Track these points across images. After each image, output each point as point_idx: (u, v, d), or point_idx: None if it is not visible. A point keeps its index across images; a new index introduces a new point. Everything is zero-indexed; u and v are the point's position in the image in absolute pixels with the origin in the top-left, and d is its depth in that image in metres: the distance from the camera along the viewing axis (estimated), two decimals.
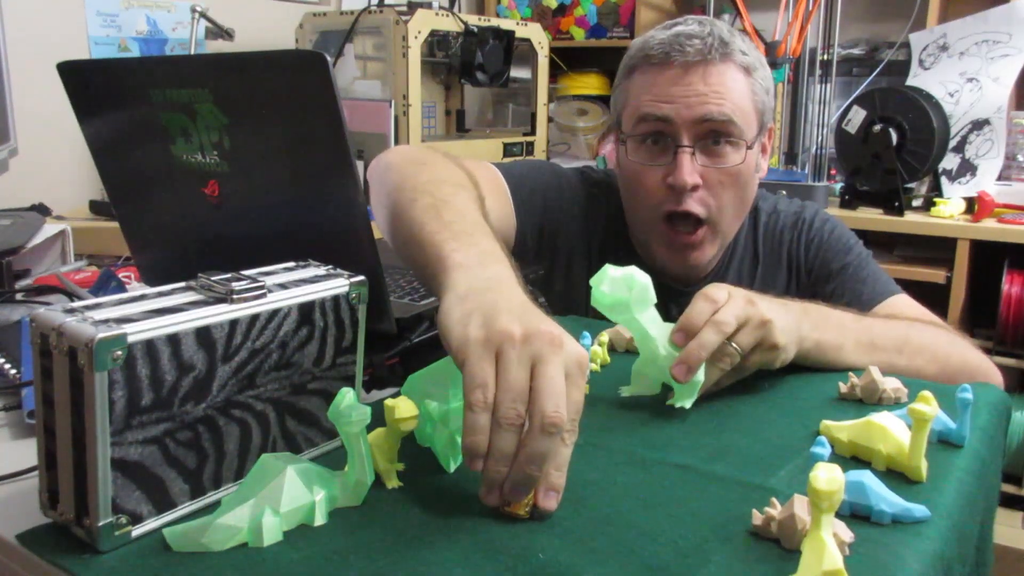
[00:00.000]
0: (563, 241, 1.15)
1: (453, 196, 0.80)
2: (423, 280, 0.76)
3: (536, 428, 0.53)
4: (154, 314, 0.52)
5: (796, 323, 0.80)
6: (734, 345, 0.74)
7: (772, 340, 0.76)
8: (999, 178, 2.25)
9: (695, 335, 0.73)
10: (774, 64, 2.27)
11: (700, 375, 0.73)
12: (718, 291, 0.76)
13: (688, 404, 0.73)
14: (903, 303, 1.07)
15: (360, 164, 2.21)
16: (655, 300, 0.74)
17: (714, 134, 1.01)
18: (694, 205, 1.02)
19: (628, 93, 1.06)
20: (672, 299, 1.05)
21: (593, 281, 0.73)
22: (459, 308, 0.60)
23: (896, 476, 0.61)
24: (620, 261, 1.03)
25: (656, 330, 0.74)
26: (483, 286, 0.63)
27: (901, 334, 0.90)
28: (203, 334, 0.53)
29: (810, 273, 1.13)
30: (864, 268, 1.11)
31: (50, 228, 1.34)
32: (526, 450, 0.53)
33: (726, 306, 0.74)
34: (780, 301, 0.80)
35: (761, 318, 0.75)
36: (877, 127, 2.17)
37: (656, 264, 1.09)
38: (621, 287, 0.72)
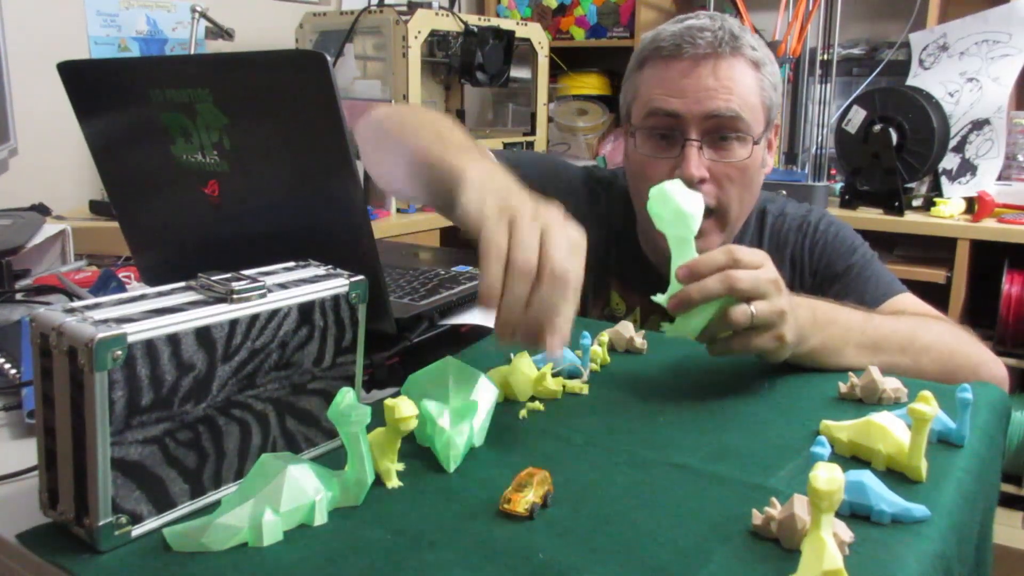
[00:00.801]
0: None
1: (452, 131, 0.86)
2: (435, 199, 0.83)
3: (547, 277, 0.60)
4: (154, 314, 0.52)
5: (801, 325, 0.80)
6: (753, 310, 0.74)
7: (780, 331, 0.76)
8: (999, 178, 2.25)
9: (699, 279, 0.73)
10: None
11: (699, 319, 0.74)
12: (751, 253, 0.76)
13: (671, 334, 0.75)
14: (907, 302, 1.07)
15: (360, 164, 2.21)
16: (694, 232, 0.75)
17: (721, 129, 1.01)
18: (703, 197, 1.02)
19: (638, 86, 1.07)
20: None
21: (654, 188, 0.76)
22: (476, 193, 0.67)
23: (896, 476, 0.61)
24: (622, 258, 1.04)
25: (679, 257, 0.75)
26: (496, 178, 0.70)
27: (907, 333, 0.89)
28: (203, 334, 0.53)
29: (815, 275, 1.13)
30: (868, 268, 1.11)
31: (50, 228, 1.34)
32: (538, 296, 0.60)
33: (755, 271, 0.74)
34: (795, 300, 0.80)
35: (780, 307, 0.75)
36: (877, 127, 2.18)
37: (659, 259, 1.09)
38: (665, 203, 0.75)
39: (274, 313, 0.57)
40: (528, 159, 1.16)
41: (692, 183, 1.00)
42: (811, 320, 0.82)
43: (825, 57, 2.34)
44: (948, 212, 2.13)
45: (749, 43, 1.04)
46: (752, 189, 1.08)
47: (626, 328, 0.89)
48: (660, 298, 0.77)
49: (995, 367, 0.94)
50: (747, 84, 1.02)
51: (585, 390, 0.77)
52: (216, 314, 0.54)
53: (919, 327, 0.92)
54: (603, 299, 1.19)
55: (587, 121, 2.95)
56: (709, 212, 1.04)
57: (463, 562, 0.50)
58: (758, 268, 0.75)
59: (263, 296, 0.57)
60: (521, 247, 0.61)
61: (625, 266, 1.17)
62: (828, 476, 0.46)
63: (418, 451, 0.64)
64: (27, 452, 0.60)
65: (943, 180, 2.27)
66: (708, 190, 1.02)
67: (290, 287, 0.59)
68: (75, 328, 0.48)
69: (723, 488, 0.60)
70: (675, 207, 0.75)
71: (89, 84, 0.83)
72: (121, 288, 1.08)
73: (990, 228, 2.06)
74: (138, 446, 0.51)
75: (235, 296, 0.55)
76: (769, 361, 0.80)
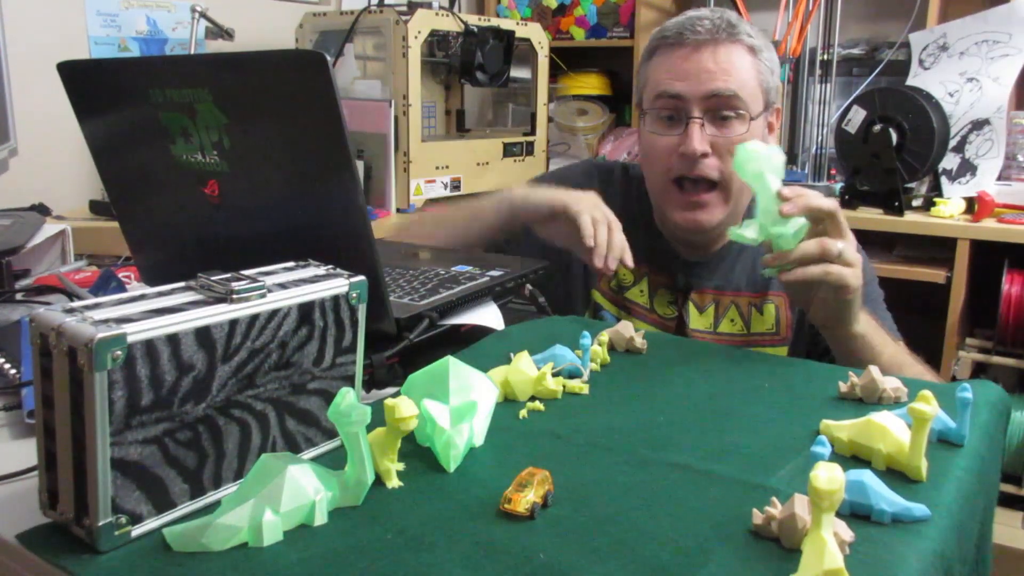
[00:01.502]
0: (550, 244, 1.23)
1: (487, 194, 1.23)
2: (488, 232, 1.19)
3: (613, 225, 1.02)
4: (154, 314, 0.52)
5: (858, 306, 0.95)
6: (840, 245, 0.90)
7: (852, 275, 0.90)
8: (999, 178, 2.25)
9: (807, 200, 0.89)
10: None
11: (777, 230, 0.89)
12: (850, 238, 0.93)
13: (734, 237, 0.92)
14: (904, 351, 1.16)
15: (360, 164, 2.21)
16: (763, 172, 0.91)
17: (721, 107, 1.11)
18: (706, 170, 1.12)
19: (647, 74, 1.18)
20: (680, 268, 1.20)
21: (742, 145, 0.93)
22: (551, 190, 1.09)
23: (896, 475, 0.61)
24: (639, 239, 1.17)
25: (769, 191, 0.90)
26: (540, 186, 1.14)
27: (920, 372, 0.99)
28: (203, 334, 0.53)
29: None
30: (878, 304, 1.19)
31: (50, 228, 1.33)
32: (614, 238, 1.01)
33: (848, 244, 0.91)
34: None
35: (859, 260, 0.92)
36: (877, 127, 2.17)
37: (671, 234, 1.21)
38: (752, 154, 0.91)
39: (274, 313, 0.57)
40: (548, 176, 1.39)
41: (695, 157, 1.10)
42: (862, 311, 0.97)
43: (825, 57, 2.33)
44: (948, 212, 2.12)
45: (746, 31, 1.13)
46: None
47: (626, 328, 0.89)
48: (736, 231, 0.92)
49: None
50: (744, 67, 1.12)
51: (585, 390, 0.77)
52: (216, 314, 0.54)
53: (926, 374, 1.03)
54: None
55: (587, 121, 2.95)
56: (713, 184, 1.14)
57: (463, 562, 0.50)
58: (846, 242, 0.91)
59: (263, 296, 0.57)
60: (603, 212, 1.03)
61: (635, 239, 1.22)
62: (828, 476, 0.47)
63: (418, 451, 0.64)
64: (27, 452, 0.60)
65: (943, 180, 2.27)
66: (711, 164, 1.11)
67: (290, 287, 0.59)
68: (75, 328, 0.48)
69: (723, 488, 0.60)
70: (751, 154, 0.90)
71: (89, 84, 0.83)
72: (121, 288, 1.08)
73: (990, 228, 2.05)
74: (138, 446, 0.51)
75: (235, 296, 0.55)
76: (822, 317, 0.97)
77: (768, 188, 0.89)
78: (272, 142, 0.73)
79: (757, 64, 1.13)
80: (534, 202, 1.09)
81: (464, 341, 0.88)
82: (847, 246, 0.90)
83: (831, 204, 0.90)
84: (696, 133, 1.10)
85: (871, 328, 0.99)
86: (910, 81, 2.31)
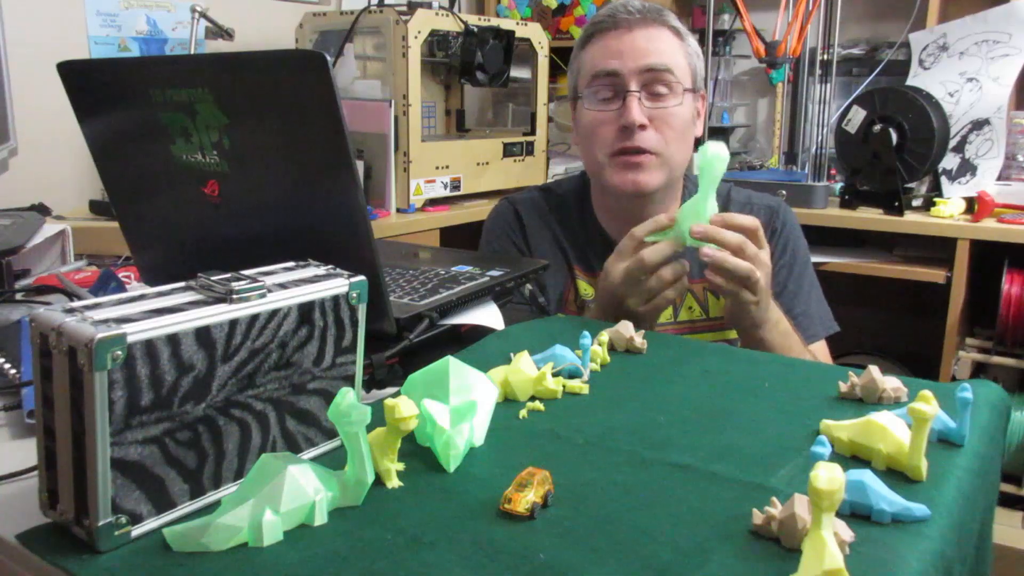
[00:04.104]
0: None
1: None
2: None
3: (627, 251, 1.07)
4: (154, 314, 0.52)
5: (771, 316, 1.06)
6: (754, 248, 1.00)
7: (759, 283, 1.01)
8: (999, 178, 2.25)
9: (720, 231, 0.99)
10: (774, 64, 2.27)
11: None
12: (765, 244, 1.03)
13: (659, 237, 1.03)
14: (823, 351, 1.27)
15: (360, 164, 2.21)
16: (711, 177, 0.99)
17: (656, 82, 1.18)
18: (644, 142, 1.18)
19: (582, 61, 1.25)
20: None
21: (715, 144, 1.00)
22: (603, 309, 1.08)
23: (896, 475, 0.61)
24: (582, 244, 1.25)
25: (710, 194, 1.00)
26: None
27: None
28: (203, 334, 0.53)
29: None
30: (815, 288, 1.28)
31: (50, 228, 1.33)
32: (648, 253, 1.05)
33: (761, 255, 1.01)
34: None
35: (768, 263, 1.03)
36: (877, 127, 2.17)
37: (617, 229, 1.23)
38: (723, 154, 0.98)
39: (274, 313, 0.57)
40: (485, 247, 1.38)
41: (634, 128, 1.17)
42: (776, 320, 1.07)
43: (825, 57, 2.33)
44: (948, 212, 2.12)
45: (672, 17, 1.23)
46: (686, 140, 1.23)
47: (626, 328, 0.89)
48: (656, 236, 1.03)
49: None
50: (673, 46, 1.20)
51: (585, 390, 0.77)
52: (216, 314, 0.54)
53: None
54: (571, 290, 1.27)
55: None
56: (653, 154, 1.20)
57: (463, 562, 0.50)
58: (761, 247, 1.01)
59: (263, 296, 0.57)
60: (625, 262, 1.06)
61: (586, 250, 1.30)
62: (829, 475, 0.47)
63: (418, 451, 0.64)
64: (27, 452, 0.60)
65: (943, 180, 2.27)
66: (650, 135, 1.18)
67: (290, 287, 0.59)
68: (75, 328, 0.48)
69: (723, 488, 0.60)
70: (706, 155, 0.98)
71: (89, 84, 0.83)
72: (121, 288, 1.08)
73: (990, 228, 2.05)
74: (138, 446, 0.51)
75: (235, 296, 0.55)
76: (734, 315, 1.05)
77: (706, 194, 1.00)
78: (272, 142, 0.73)
79: (684, 47, 1.21)
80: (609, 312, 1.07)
81: (464, 341, 0.88)
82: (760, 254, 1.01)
83: (734, 239, 1.00)
84: (634, 105, 1.17)
85: (778, 335, 1.07)
86: (910, 81, 2.31)
